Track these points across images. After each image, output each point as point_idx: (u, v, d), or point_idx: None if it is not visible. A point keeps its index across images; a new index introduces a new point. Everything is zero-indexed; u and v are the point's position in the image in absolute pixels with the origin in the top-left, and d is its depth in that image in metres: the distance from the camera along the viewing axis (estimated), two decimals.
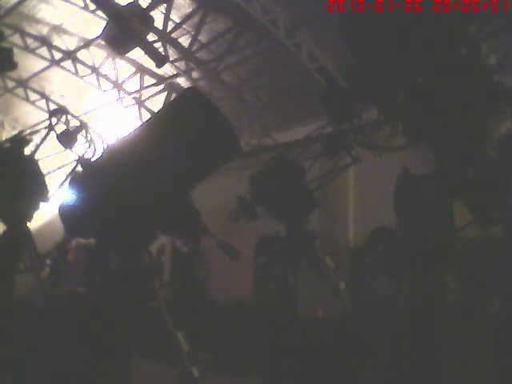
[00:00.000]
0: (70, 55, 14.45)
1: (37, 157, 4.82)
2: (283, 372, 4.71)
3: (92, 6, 11.73)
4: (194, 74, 13.63)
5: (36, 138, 4.94)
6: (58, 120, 5.22)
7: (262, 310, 8.45)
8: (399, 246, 2.93)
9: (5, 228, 4.63)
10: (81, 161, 3.38)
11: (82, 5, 12.13)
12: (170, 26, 12.13)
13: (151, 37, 11.16)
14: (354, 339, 5.73)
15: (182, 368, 2.69)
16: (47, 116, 5.28)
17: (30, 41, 14.22)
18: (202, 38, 12.51)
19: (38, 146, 4.90)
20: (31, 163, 4.73)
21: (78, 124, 5.47)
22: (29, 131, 4.95)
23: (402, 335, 3.01)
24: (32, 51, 14.33)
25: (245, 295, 10.68)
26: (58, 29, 13.66)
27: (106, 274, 2.89)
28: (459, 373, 3.96)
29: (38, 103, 16.51)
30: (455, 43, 2.63)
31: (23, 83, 16.04)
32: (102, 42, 11.30)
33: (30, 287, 4.90)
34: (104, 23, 10.19)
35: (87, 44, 13.84)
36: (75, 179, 2.83)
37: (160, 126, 2.77)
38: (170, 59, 12.43)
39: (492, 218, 2.83)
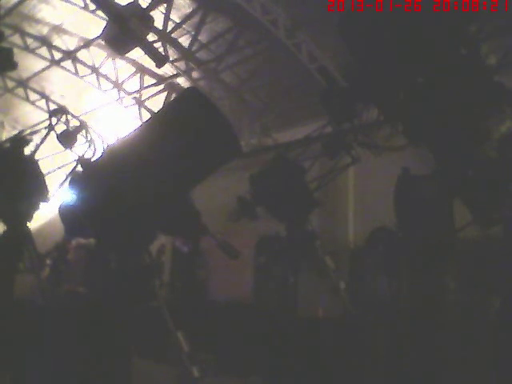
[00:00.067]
0: (69, 55, 14.45)
1: (37, 157, 4.82)
2: (283, 372, 4.71)
3: (92, 6, 11.73)
4: (194, 74, 13.63)
5: (36, 138, 4.95)
6: (58, 120, 5.22)
7: (261, 310, 8.45)
8: (399, 246, 2.93)
9: (5, 228, 4.64)
10: (81, 161, 3.38)
11: (82, 5, 12.14)
12: (170, 26, 12.13)
13: (151, 37, 11.15)
14: (353, 339, 5.73)
15: (182, 368, 2.69)
16: (47, 116, 5.29)
17: (30, 41, 14.22)
18: (202, 38, 12.51)
19: (38, 146, 4.91)
20: (31, 163, 4.73)
21: (78, 124, 5.48)
22: (29, 131, 4.96)
23: (401, 335, 3.01)
24: (32, 51, 14.33)
25: (245, 295, 10.68)
26: (57, 29, 13.66)
27: (106, 273, 2.89)
28: (459, 373, 3.96)
29: (38, 103, 16.51)
30: (455, 43, 2.63)
31: (23, 83, 16.04)
32: (102, 42, 11.29)
33: (30, 287, 4.90)
34: (104, 23, 10.17)
35: (87, 44, 13.84)
36: (75, 179, 2.83)
37: (160, 125, 2.77)
38: (170, 59, 12.42)
39: (492, 218, 2.83)
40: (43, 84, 15.94)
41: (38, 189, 4.69)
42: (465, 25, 2.61)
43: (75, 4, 12.24)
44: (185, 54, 12.94)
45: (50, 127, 5.13)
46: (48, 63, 14.85)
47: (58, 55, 14.56)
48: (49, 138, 5.09)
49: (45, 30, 13.84)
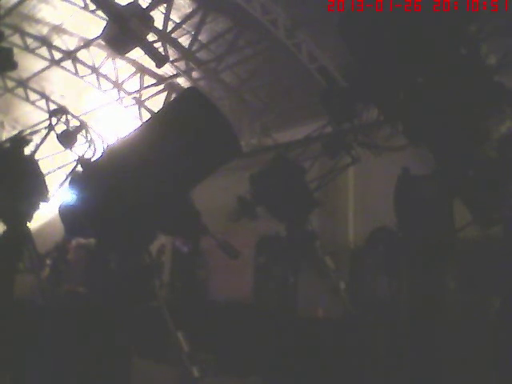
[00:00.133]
0: (70, 55, 14.45)
1: (37, 157, 4.82)
2: (283, 372, 4.71)
3: (92, 6, 11.72)
4: (194, 74, 13.62)
5: (36, 138, 4.95)
6: (58, 120, 5.23)
7: (262, 310, 8.45)
8: (399, 246, 2.93)
9: (5, 228, 4.64)
10: (81, 161, 3.39)
11: (82, 5, 12.14)
12: (170, 26, 12.13)
13: (151, 37, 11.16)
14: (353, 339, 5.73)
15: (182, 368, 2.69)
16: (47, 116, 5.29)
17: (30, 41, 14.21)
18: (202, 38, 12.51)
19: (38, 146, 4.91)
20: (31, 163, 4.73)
21: (78, 124, 5.48)
22: (29, 131, 4.96)
23: (401, 335, 3.01)
24: (32, 51, 14.32)
25: (245, 295, 10.68)
26: (57, 29, 13.66)
27: (106, 273, 2.89)
28: (459, 373, 3.96)
29: (38, 103, 16.51)
30: (455, 43, 2.63)
31: (23, 83, 16.04)
32: (102, 42, 11.29)
33: (30, 287, 4.90)
34: (104, 23, 10.18)
35: (87, 44, 13.84)
36: (75, 179, 2.83)
37: (160, 125, 2.77)
38: (170, 59, 12.42)
39: (492, 218, 2.83)
40: (43, 84, 15.94)
41: (38, 189, 4.69)
42: (465, 25, 2.61)
43: (75, 4, 12.24)
44: (185, 53, 12.94)
45: (50, 127, 5.13)
46: (48, 63, 14.85)
47: (58, 55, 14.56)
48: (49, 137, 5.09)
49: (45, 30, 13.83)
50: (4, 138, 6.94)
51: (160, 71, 13.20)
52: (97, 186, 2.72)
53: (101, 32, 10.44)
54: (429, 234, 2.74)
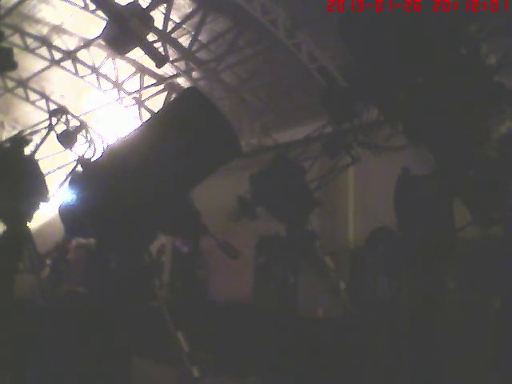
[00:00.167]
0: (70, 55, 14.45)
1: (37, 157, 4.82)
2: (283, 372, 4.71)
3: (92, 6, 11.73)
4: (194, 74, 13.63)
5: (36, 138, 4.95)
6: (58, 120, 5.23)
7: (261, 310, 8.44)
8: (399, 246, 2.93)
9: (5, 228, 4.64)
10: (81, 161, 3.39)
11: (82, 5, 12.14)
12: (170, 26, 12.13)
13: (151, 37, 11.16)
14: (354, 339, 5.73)
15: (182, 368, 2.69)
16: (47, 116, 5.29)
17: (30, 41, 14.21)
18: (202, 38, 12.51)
19: (38, 146, 4.91)
20: (31, 163, 4.73)
21: (78, 124, 5.48)
22: (29, 131, 4.96)
23: (401, 335, 3.01)
24: (32, 51, 14.33)
25: (245, 295, 10.68)
26: (57, 29, 13.66)
27: (106, 273, 2.89)
28: (459, 373, 3.96)
29: (38, 103, 16.51)
30: (455, 43, 2.63)
31: (23, 83, 16.04)
32: (102, 42, 11.29)
33: (30, 287, 4.90)
34: (104, 23, 10.18)
35: (87, 44, 13.84)
36: (75, 179, 2.83)
37: (160, 125, 2.77)
38: (170, 59, 12.42)
39: (492, 218, 2.83)
40: (43, 84, 15.94)
41: (38, 189, 4.69)
42: (465, 25, 2.61)
43: (75, 4, 12.24)
44: (185, 53, 12.94)
45: (50, 127, 5.13)
46: (48, 63, 14.85)
47: (58, 55, 14.56)
48: (49, 138, 5.09)
49: (45, 30, 13.84)
50: (4, 138, 6.94)
51: (160, 71, 13.20)
52: (97, 186, 2.71)
53: (101, 32, 10.43)
54: (429, 234, 2.73)
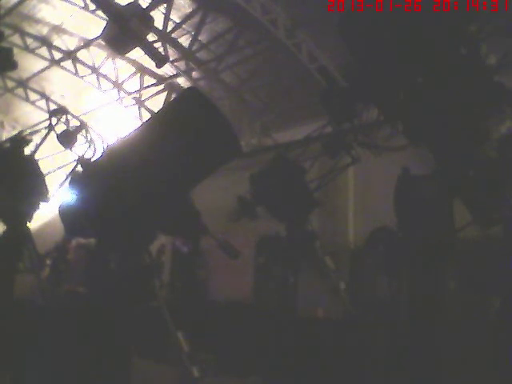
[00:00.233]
0: (70, 55, 14.45)
1: (37, 157, 4.82)
2: (283, 372, 4.71)
3: (92, 6, 11.72)
4: (194, 74, 13.62)
5: (36, 138, 4.95)
6: (58, 120, 5.23)
7: (261, 310, 8.44)
8: (399, 246, 2.93)
9: (5, 228, 4.64)
10: (81, 161, 3.39)
11: (82, 5, 12.13)
12: (170, 26, 12.13)
13: (151, 37, 11.16)
14: (354, 339, 5.73)
15: (182, 368, 2.69)
16: (47, 116, 5.29)
17: (29, 41, 14.21)
18: (202, 38, 12.51)
19: (37, 146, 4.91)
20: (31, 163, 4.73)
21: (78, 124, 5.49)
22: (29, 131, 4.96)
23: (401, 335, 3.01)
24: (32, 51, 14.32)
25: (245, 295, 10.68)
26: (57, 29, 13.66)
27: (106, 273, 2.89)
28: (459, 373, 3.96)
29: (38, 103, 16.51)
30: (455, 43, 2.63)
31: (23, 83, 16.03)
32: (102, 42, 11.29)
33: (30, 287, 4.90)
34: (104, 23, 10.18)
35: (87, 44, 13.83)
36: (75, 179, 2.83)
37: (160, 126, 2.77)
38: (170, 59, 12.42)
39: (492, 218, 2.83)
40: (43, 84, 15.93)
41: (38, 189, 4.69)
42: (465, 25, 2.61)
43: (75, 4, 12.24)
44: (185, 53, 12.94)
45: (50, 127, 5.13)
46: (48, 63, 14.85)
47: (58, 55, 14.55)
48: (49, 137, 5.09)
49: (45, 30, 13.83)
50: (4, 138, 6.94)
51: (160, 71, 13.20)
52: (97, 186, 2.72)
53: (101, 32, 10.44)
54: (429, 234, 2.74)
